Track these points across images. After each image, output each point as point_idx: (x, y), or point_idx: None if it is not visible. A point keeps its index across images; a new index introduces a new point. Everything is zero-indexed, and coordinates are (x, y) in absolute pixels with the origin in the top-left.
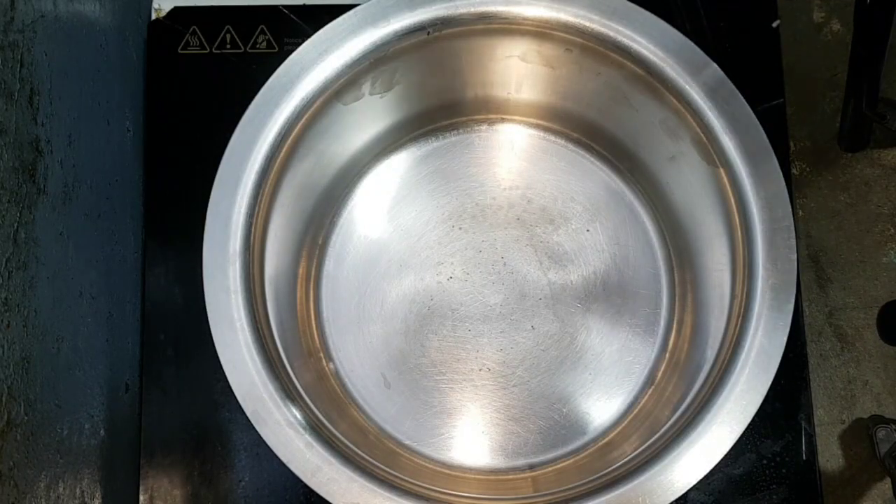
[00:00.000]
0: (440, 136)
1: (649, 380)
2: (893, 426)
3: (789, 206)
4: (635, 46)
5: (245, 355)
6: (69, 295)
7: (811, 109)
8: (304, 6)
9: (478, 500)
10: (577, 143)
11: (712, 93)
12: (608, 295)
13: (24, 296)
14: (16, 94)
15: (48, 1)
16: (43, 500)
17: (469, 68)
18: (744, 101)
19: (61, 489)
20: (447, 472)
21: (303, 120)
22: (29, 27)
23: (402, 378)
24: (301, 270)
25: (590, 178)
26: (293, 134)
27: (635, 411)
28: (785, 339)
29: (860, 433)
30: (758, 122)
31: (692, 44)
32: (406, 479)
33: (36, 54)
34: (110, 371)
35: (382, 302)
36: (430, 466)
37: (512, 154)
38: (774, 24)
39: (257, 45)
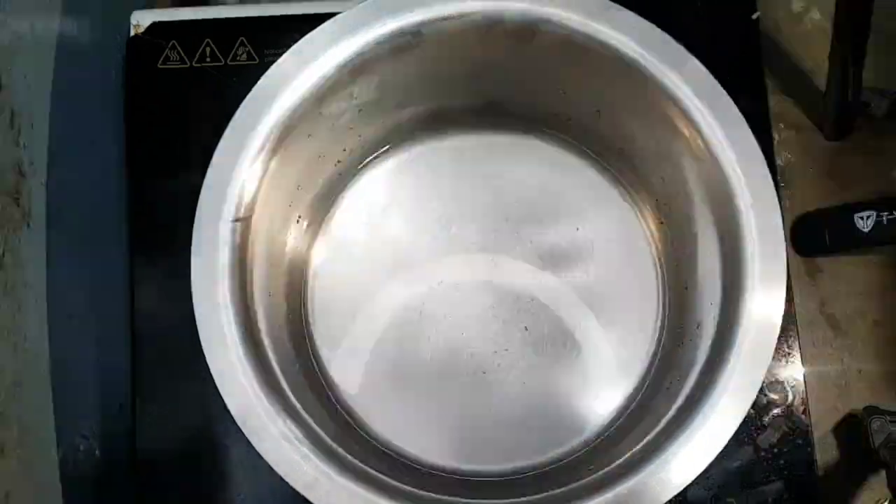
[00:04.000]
0: (425, 141)
1: (645, 376)
2: (887, 417)
3: (776, 197)
4: (615, 43)
5: (238, 370)
6: (58, 317)
7: (794, 99)
8: (284, 17)
9: (477, 503)
10: (563, 142)
11: (695, 87)
12: (600, 293)
13: (13, 320)
14: None
15: (25, 22)
16: None
17: (452, 71)
18: (726, 94)
19: None
20: (446, 476)
21: (285, 131)
22: (6, 49)
23: (397, 385)
24: (291, 281)
25: (578, 177)
26: (277, 144)
27: (632, 409)
28: (777, 330)
29: (856, 423)
30: (741, 115)
31: (672, 39)
32: (405, 487)
33: (14, 76)
34: (103, 391)
35: (374, 309)
36: (429, 472)
37: (497, 155)
38: (754, 16)
39: (238, 58)
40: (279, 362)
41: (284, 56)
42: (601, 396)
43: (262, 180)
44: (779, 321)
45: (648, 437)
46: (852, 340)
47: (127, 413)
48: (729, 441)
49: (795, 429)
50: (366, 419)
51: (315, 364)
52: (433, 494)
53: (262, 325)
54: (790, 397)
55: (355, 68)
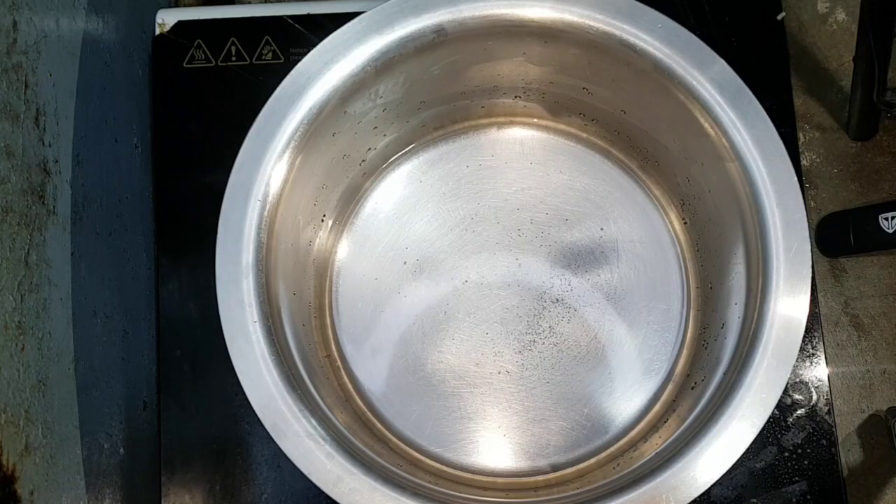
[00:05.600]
0: (449, 141)
1: (669, 376)
2: None
3: (801, 198)
4: (641, 44)
5: (262, 368)
6: (83, 315)
7: (819, 100)
8: (309, 16)
9: (501, 503)
10: (587, 142)
11: (721, 88)
12: (624, 293)
13: (38, 318)
14: (21, 115)
15: (51, 20)
16: None
17: (475, 71)
18: (752, 95)
19: None
20: (470, 476)
21: (311, 129)
22: (32, 48)
23: (420, 384)
24: (315, 279)
25: (601, 177)
26: (302, 143)
27: (656, 408)
28: (802, 330)
29: (880, 423)
30: (766, 116)
31: (699, 40)
32: (429, 485)
33: (40, 75)
34: (127, 389)
35: (398, 309)
36: (453, 471)
37: (522, 155)
38: (780, 17)
39: (263, 57)
40: (303, 361)
41: (309, 55)
42: (626, 396)
43: (287, 179)
44: (804, 321)
45: (673, 437)
46: (876, 341)
47: (151, 411)
48: (753, 441)
49: (820, 429)
50: (389, 417)
51: (339, 362)
52: (455, 493)
53: (287, 323)
54: (814, 398)
55: (380, 67)
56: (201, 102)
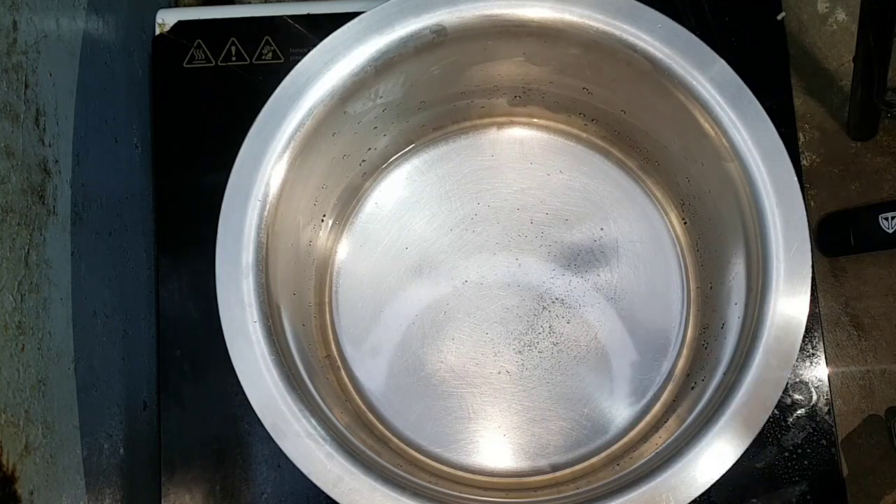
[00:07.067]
0: (449, 141)
1: (669, 376)
2: None
3: (801, 198)
4: (641, 44)
5: (262, 368)
6: (83, 315)
7: (819, 100)
8: (309, 16)
9: (501, 503)
10: (587, 142)
11: (721, 88)
12: (624, 293)
13: (38, 318)
14: (21, 115)
15: (51, 20)
16: None
17: (475, 71)
18: (752, 95)
19: None
20: (470, 476)
21: (311, 129)
22: (32, 48)
23: (420, 384)
24: (316, 279)
25: (601, 177)
26: (301, 144)
27: (656, 408)
28: (802, 330)
29: (880, 423)
30: (767, 116)
31: (699, 40)
32: (429, 485)
33: (40, 75)
34: (127, 389)
35: (398, 309)
36: (453, 471)
37: (522, 156)
38: (780, 17)
39: (263, 57)
40: (303, 360)
41: (309, 55)
42: (625, 396)
43: (287, 179)
44: (804, 321)
45: (673, 437)
46: (876, 341)
47: (151, 411)
48: (753, 441)
49: (819, 429)
50: (389, 417)
51: (339, 362)
52: (455, 493)
53: (287, 323)
54: (814, 398)
55: (380, 67)
56: (201, 102)
